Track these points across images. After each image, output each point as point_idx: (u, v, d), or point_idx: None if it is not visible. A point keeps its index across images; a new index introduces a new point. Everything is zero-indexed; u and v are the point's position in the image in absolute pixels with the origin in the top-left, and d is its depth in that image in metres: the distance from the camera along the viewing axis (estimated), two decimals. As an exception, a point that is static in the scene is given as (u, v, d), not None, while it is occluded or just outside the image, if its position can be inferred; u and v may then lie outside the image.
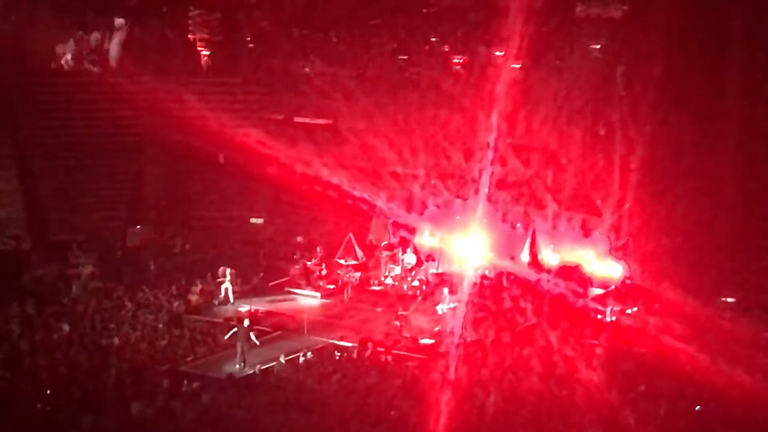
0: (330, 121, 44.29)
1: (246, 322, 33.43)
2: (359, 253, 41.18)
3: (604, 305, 36.42)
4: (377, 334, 34.96)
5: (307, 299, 39.28)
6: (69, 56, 44.45)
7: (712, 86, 37.89)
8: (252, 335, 33.20)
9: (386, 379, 30.84)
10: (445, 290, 37.25)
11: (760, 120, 38.15)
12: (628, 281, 38.08)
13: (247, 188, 45.37)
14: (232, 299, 38.21)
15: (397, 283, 39.82)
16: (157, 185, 46.22)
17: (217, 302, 38.10)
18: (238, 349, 32.87)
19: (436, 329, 34.95)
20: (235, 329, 33.24)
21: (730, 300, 36.78)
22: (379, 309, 37.93)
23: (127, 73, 42.92)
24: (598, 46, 40.46)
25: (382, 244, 41.72)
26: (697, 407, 28.60)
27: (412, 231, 42.01)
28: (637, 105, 38.13)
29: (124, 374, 30.63)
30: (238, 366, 32.31)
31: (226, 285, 38.30)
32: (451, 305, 36.33)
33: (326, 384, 30.54)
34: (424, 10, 45.11)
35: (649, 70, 37.40)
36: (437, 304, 36.85)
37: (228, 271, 38.53)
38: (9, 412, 27.89)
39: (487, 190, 38.53)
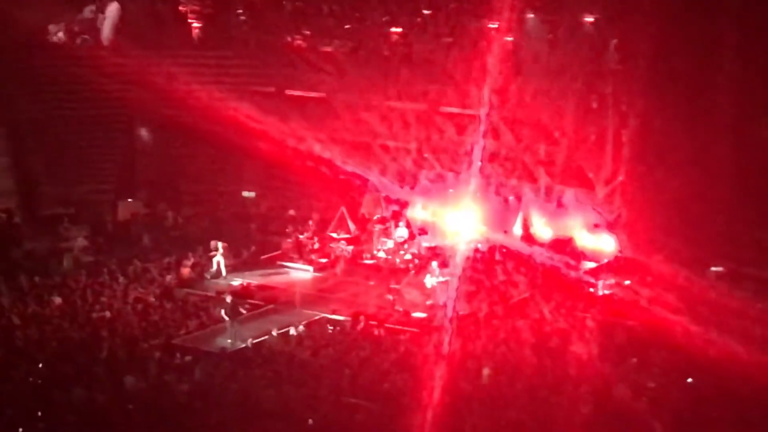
0: (322, 95, 44.14)
1: (229, 299, 33.34)
2: (352, 226, 41.21)
3: (597, 278, 36.46)
4: (370, 307, 34.99)
5: (300, 273, 39.27)
6: (61, 34, 44.14)
7: (706, 59, 37.81)
8: (240, 308, 33.18)
9: (379, 353, 30.84)
10: (434, 263, 37.26)
11: (755, 92, 38.05)
12: (620, 254, 38.10)
13: (239, 162, 45.26)
14: (224, 272, 38.16)
15: (389, 257, 39.84)
16: (149, 158, 46.18)
17: (209, 276, 38.06)
18: (227, 325, 32.82)
19: (429, 303, 34.94)
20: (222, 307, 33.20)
21: (718, 269, 36.81)
22: (371, 282, 37.94)
23: (118, 47, 42.67)
24: (591, 19, 40.26)
25: (375, 218, 41.74)
26: (690, 379, 28.63)
27: (405, 205, 41.96)
28: (630, 78, 38.07)
29: (117, 348, 30.61)
30: (229, 341, 32.23)
31: (219, 258, 38.26)
32: (440, 278, 36.37)
33: (319, 357, 30.51)
34: (417, -17, 44.91)
35: (643, 43, 37.31)
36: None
37: (220, 244, 38.47)
38: (0, 386, 27.83)
39: (479, 163, 38.43)
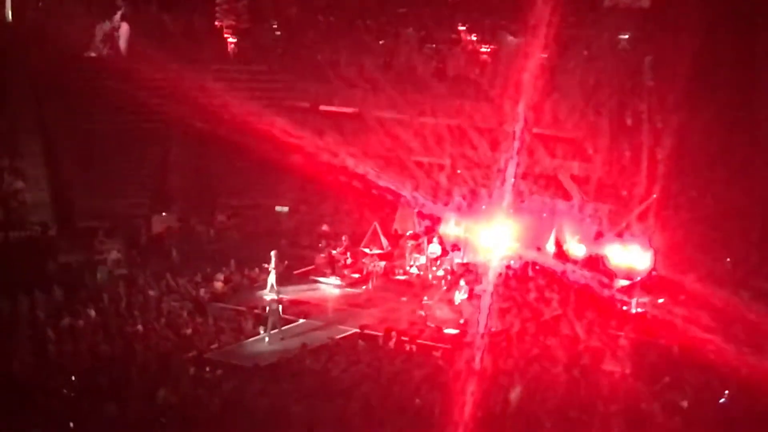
0: (356, 110, 44.23)
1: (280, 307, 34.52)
2: (384, 242, 41.16)
3: (630, 296, 36.28)
4: (402, 323, 34.95)
5: (332, 288, 39.28)
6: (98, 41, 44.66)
7: (742, 75, 37.69)
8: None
9: (411, 369, 30.81)
10: (462, 280, 37.24)
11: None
12: (654, 272, 37.90)
13: (272, 176, 45.36)
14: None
15: (422, 273, 39.79)
16: (183, 172, 46.30)
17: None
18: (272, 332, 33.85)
19: (461, 321, 34.87)
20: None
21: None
22: (404, 298, 37.91)
23: (154, 61, 42.91)
24: (626, 36, 40.22)
25: (407, 234, 41.68)
26: (723, 399, 28.44)
27: (437, 221, 41.90)
28: (665, 95, 37.95)
29: (149, 361, 30.73)
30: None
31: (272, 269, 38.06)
32: (466, 295, 36.40)
33: (350, 373, 30.51)
34: (451, -1, 45.08)
35: (678, 60, 37.20)
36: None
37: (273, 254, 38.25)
38: (34, 398, 27.98)
39: (512, 180, 38.39)
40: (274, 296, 35.34)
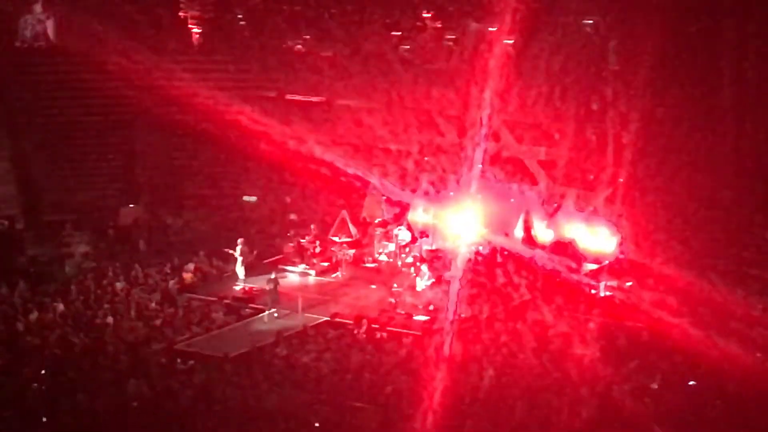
0: (323, 98, 44.21)
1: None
2: (353, 230, 41.17)
3: (598, 280, 36.48)
4: (372, 311, 35.03)
5: (301, 277, 39.29)
6: (27, 33, 44.26)
7: (707, 61, 37.88)
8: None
9: (381, 356, 30.90)
10: (424, 266, 37.36)
11: (755, 94, 38.09)
12: (621, 256, 38.09)
13: (240, 166, 45.30)
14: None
15: (391, 260, 39.86)
16: (150, 164, 46.13)
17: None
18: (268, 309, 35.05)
19: (431, 307, 34.97)
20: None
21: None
22: (373, 286, 37.98)
23: (120, 52, 42.73)
24: (591, 21, 40.32)
25: (376, 221, 41.71)
26: (691, 382, 28.66)
27: (406, 208, 41.95)
28: (630, 80, 38.09)
29: (120, 353, 30.68)
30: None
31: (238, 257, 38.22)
32: (429, 282, 36.53)
33: (321, 361, 30.57)
34: (416, -14, 44.98)
35: (643, 45, 37.34)
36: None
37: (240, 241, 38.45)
38: (4, 391, 27.92)
39: (480, 166, 38.48)
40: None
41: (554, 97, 39.64)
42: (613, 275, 36.93)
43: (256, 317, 34.99)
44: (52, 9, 44.17)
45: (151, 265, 38.56)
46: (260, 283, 37.40)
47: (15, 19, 43.89)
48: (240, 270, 38.10)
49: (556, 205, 39.57)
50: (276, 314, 34.97)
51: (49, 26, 44.18)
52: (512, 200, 40.18)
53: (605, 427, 26.63)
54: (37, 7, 44.27)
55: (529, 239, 39.29)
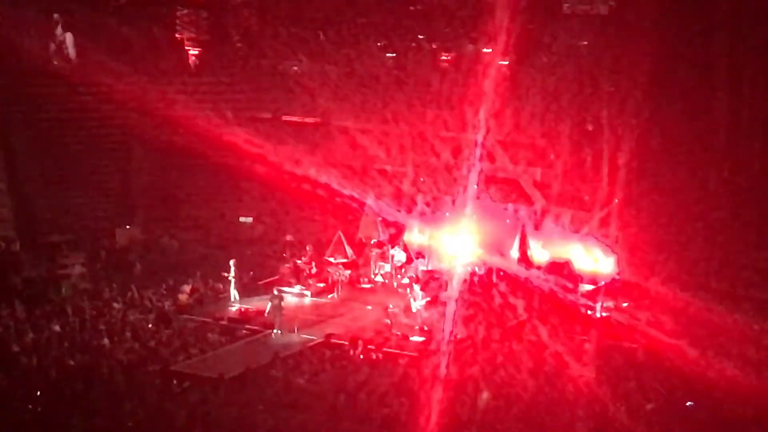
0: (318, 120, 44.32)
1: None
2: (349, 251, 41.17)
3: (594, 301, 36.48)
4: (368, 331, 35.01)
5: (298, 298, 39.27)
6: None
7: (699, 82, 38.05)
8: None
9: (377, 377, 30.85)
10: (417, 287, 37.37)
11: (748, 115, 38.24)
12: (617, 276, 38.13)
13: (236, 187, 45.34)
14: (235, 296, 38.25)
15: (387, 281, 39.87)
16: (146, 185, 46.18)
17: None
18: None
19: (426, 328, 34.97)
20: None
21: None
22: (369, 307, 37.97)
23: (115, 73, 42.81)
24: (585, 43, 40.49)
25: (372, 242, 41.72)
26: (689, 402, 28.63)
27: (402, 228, 42.00)
28: (624, 101, 38.22)
29: (116, 374, 30.63)
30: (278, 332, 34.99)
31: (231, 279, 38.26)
32: (423, 302, 36.59)
33: (317, 382, 30.53)
34: (412, 8, 45.15)
35: (637, 66, 37.50)
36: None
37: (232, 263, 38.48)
38: (0, 413, 27.86)
39: (475, 186, 38.55)
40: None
41: (549, 117, 39.75)
42: (610, 296, 36.94)
43: (252, 338, 34.90)
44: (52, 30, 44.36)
45: (146, 286, 38.51)
46: (256, 303, 37.40)
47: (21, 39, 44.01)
48: (233, 291, 38.12)
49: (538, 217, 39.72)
50: (280, 332, 34.97)
51: (69, 45, 44.33)
52: (507, 221, 40.26)
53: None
54: (58, 30, 44.52)
55: (525, 260, 39.32)
